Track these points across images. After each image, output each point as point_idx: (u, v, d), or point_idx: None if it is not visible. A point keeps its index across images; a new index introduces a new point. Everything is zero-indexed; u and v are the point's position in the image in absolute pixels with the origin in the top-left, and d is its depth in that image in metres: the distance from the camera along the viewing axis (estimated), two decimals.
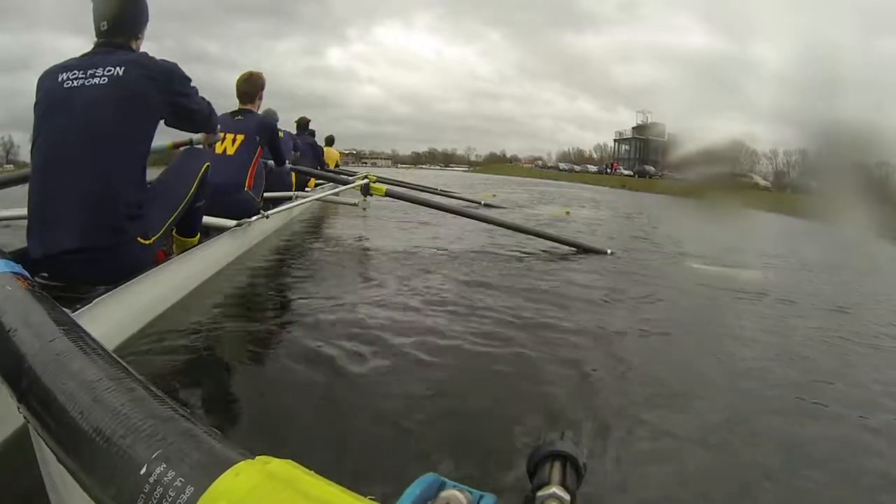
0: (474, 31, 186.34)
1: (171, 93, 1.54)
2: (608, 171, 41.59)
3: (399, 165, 69.65)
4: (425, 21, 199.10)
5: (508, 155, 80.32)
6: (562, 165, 54.61)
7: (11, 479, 0.83)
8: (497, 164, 66.15)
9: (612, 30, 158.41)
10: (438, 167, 69.57)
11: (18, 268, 0.80)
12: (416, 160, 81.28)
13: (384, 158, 78.94)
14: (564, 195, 12.71)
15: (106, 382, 0.45)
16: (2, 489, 0.83)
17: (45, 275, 1.39)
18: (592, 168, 47.69)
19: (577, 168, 48.55)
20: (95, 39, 1.51)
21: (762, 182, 23.25)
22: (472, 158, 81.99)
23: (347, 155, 65.84)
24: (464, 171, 56.48)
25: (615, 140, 53.78)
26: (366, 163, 66.65)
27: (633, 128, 49.89)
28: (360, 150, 79.16)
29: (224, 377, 1.37)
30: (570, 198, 11.72)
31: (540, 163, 65.04)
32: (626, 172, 37.71)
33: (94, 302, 1.25)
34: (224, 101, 3.16)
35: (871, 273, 4.17)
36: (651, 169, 34.70)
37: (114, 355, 0.53)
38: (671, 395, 1.41)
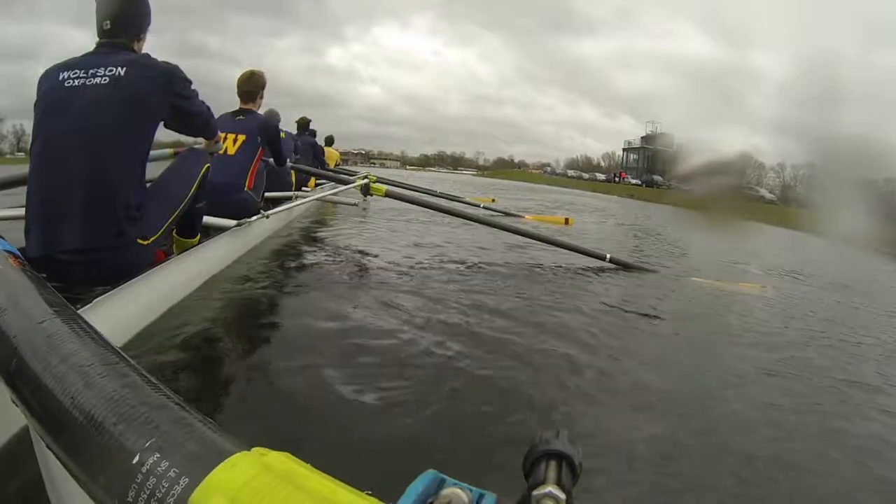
0: (472, 34, 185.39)
1: (171, 94, 1.52)
2: (616, 179, 41.53)
3: (408, 167, 69.77)
4: (424, 22, 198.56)
5: (516, 160, 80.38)
6: (570, 172, 54.67)
7: (11, 480, 0.82)
8: (506, 168, 66.13)
9: (610, 36, 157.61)
10: (447, 170, 69.56)
11: (12, 247, 0.78)
12: (425, 162, 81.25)
13: (392, 160, 79.19)
14: (576, 203, 12.67)
15: (98, 367, 0.44)
16: (2, 489, 0.82)
17: (43, 275, 1.38)
18: (601, 176, 47.65)
19: (586, 176, 48.48)
20: (98, 39, 1.50)
21: (768, 195, 23.19)
22: (481, 162, 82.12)
23: (356, 155, 66.13)
24: (472, 174, 56.36)
25: (623, 149, 53.76)
26: (374, 163, 66.77)
27: (642, 137, 49.83)
28: (369, 150, 79.49)
29: (224, 376, 1.36)
30: (583, 206, 11.68)
31: (549, 169, 64.93)
32: (633, 182, 37.63)
33: (93, 302, 1.23)
34: (223, 95, 3.15)
35: (868, 291, 4.12)
36: (659, 179, 34.60)
37: (107, 339, 0.51)
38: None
